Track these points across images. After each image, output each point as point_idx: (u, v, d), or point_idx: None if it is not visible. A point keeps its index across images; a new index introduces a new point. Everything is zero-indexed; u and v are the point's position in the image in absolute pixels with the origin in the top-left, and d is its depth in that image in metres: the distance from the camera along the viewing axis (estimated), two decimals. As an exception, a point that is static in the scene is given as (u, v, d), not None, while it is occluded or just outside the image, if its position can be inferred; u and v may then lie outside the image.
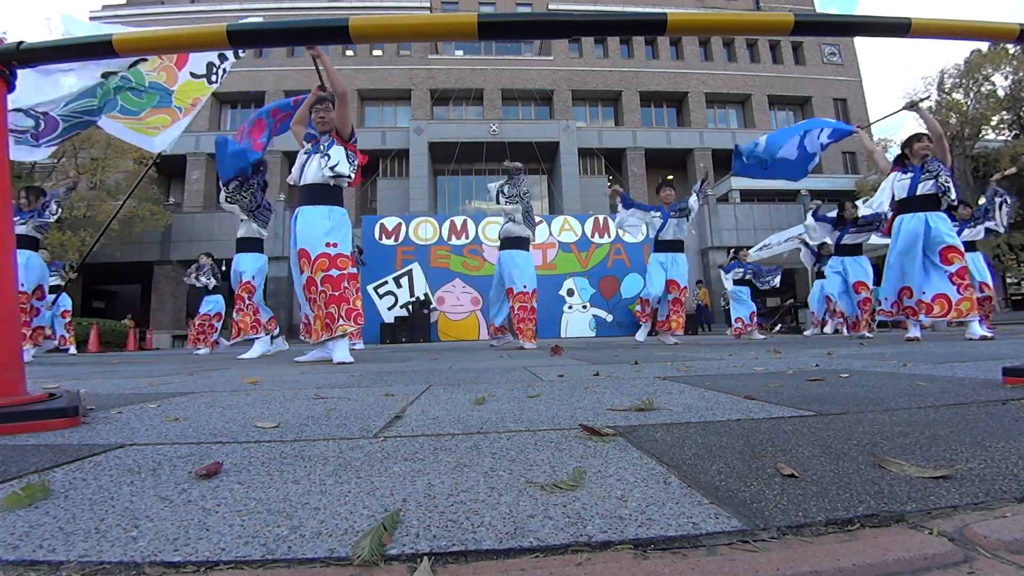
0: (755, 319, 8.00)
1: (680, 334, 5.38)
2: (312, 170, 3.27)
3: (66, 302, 7.67)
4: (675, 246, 5.35)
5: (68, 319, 7.72)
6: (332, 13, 20.19)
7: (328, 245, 3.18)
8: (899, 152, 4.33)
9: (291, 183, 3.41)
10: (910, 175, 4.09)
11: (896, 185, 4.15)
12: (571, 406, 1.26)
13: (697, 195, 5.30)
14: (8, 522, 0.56)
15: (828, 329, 7.57)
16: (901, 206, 4.13)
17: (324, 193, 3.28)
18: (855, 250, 5.64)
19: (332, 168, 3.22)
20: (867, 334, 5.56)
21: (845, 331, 5.88)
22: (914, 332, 4.09)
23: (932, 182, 4.02)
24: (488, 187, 5.57)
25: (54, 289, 7.49)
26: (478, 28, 1.19)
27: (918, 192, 4.02)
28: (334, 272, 3.16)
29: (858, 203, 5.32)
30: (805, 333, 6.05)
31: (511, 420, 1.10)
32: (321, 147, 3.27)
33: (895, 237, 4.10)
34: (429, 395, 1.55)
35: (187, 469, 0.76)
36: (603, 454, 0.79)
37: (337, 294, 3.14)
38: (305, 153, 3.36)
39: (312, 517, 0.56)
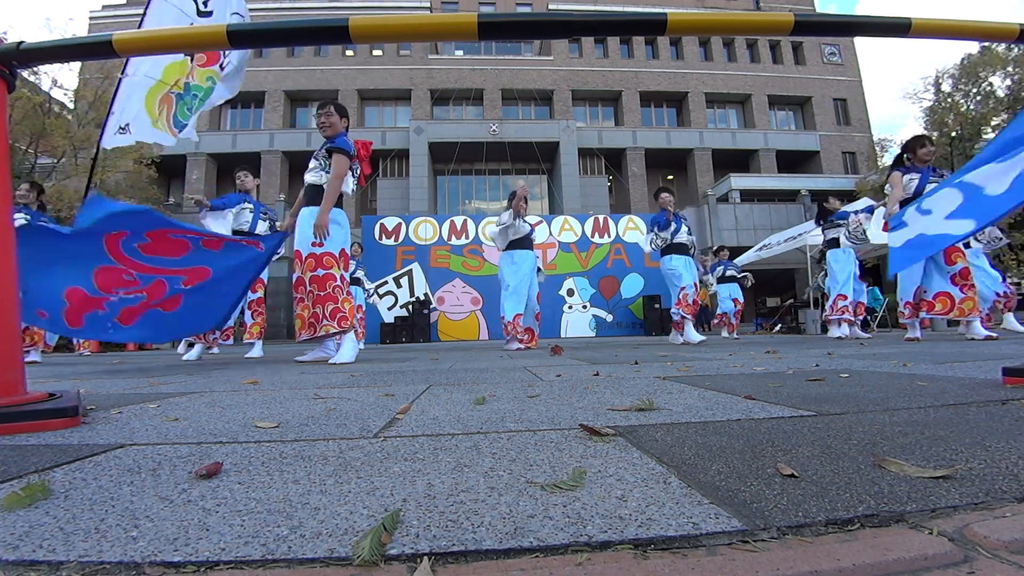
0: (726, 318, 8.48)
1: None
2: (311, 170, 3.28)
3: None
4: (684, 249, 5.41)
5: None
6: (332, 13, 20.19)
7: (313, 245, 3.18)
8: (899, 153, 4.31)
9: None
10: (917, 175, 4.05)
11: (906, 183, 4.08)
12: (571, 406, 1.26)
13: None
14: (8, 522, 0.56)
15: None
16: (905, 204, 4.10)
17: (319, 194, 3.29)
18: (832, 244, 5.87)
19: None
20: (858, 330, 5.63)
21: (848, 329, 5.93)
22: (914, 333, 4.08)
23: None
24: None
25: None
26: (478, 28, 1.19)
27: (925, 192, 4.01)
28: (320, 272, 3.16)
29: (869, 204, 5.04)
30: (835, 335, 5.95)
31: (511, 420, 1.10)
32: (321, 158, 3.28)
33: None
34: (429, 395, 1.55)
35: (187, 469, 0.76)
36: (603, 454, 0.79)
37: (323, 294, 3.14)
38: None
39: (312, 517, 0.56)
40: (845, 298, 5.64)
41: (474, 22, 1.19)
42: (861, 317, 5.90)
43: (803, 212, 17.68)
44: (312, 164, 3.32)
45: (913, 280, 4.02)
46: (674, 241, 5.22)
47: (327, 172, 3.25)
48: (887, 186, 4.30)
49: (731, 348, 4.12)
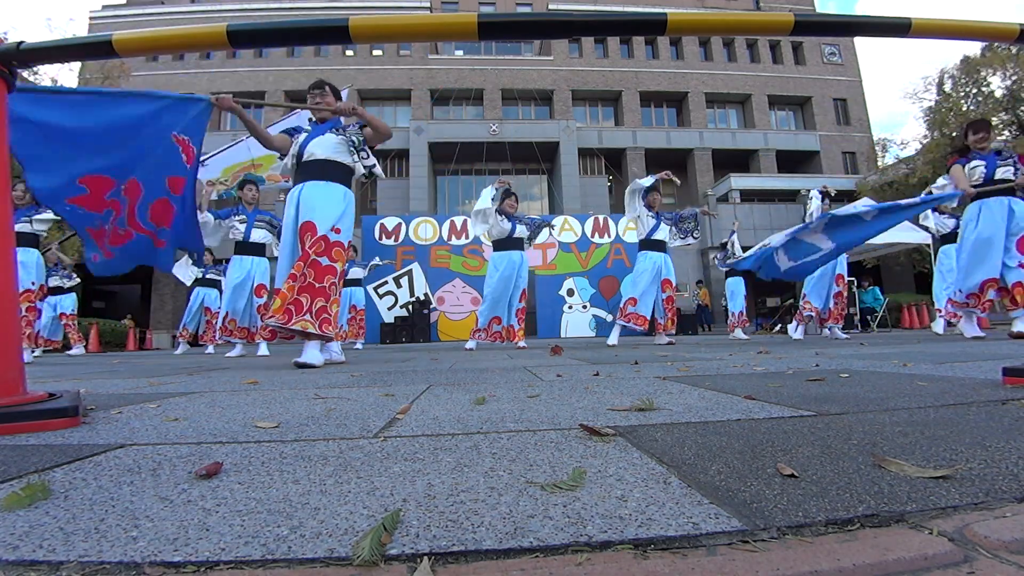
0: (742, 316, 8.24)
1: (672, 333, 5.45)
2: (327, 146, 3.05)
3: (67, 304, 7.80)
4: (664, 246, 5.47)
5: (65, 321, 7.79)
6: (332, 13, 20.18)
7: (333, 230, 2.95)
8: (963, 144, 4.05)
9: (285, 172, 3.22)
10: (983, 161, 3.86)
11: (968, 173, 3.90)
12: (571, 406, 1.26)
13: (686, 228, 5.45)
14: (8, 522, 0.56)
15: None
16: (979, 192, 3.85)
17: (340, 171, 3.07)
18: None
19: (371, 169, 3.15)
20: (838, 330, 5.65)
21: (823, 329, 5.98)
22: (974, 330, 3.97)
23: (1011, 168, 3.79)
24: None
25: (56, 291, 7.57)
26: (478, 28, 1.19)
27: (996, 176, 3.79)
28: (324, 260, 2.89)
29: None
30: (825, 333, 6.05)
31: (511, 420, 1.10)
32: (352, 134, 3.09)
33: (974, 223, 3.85)
34: (429, 395, 1.55)
35: (187, 469, 0.76)
36: (603, 454, 0.79)
37: (317, 286, 2.85)
38: (306, 133, 3.14)
39: (312, 517, 0.56)
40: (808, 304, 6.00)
41: (474, 22, 1.19)
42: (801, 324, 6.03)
43: (803, 212, 17.69)
44: (334, 138, 3.07)
45: (982, 272, 3.78)
46: (652, 238, 5.41)
47: (359, 150, 3.08)
48: (942, 179, 4.04)
49: (731, 348, 4.12)
